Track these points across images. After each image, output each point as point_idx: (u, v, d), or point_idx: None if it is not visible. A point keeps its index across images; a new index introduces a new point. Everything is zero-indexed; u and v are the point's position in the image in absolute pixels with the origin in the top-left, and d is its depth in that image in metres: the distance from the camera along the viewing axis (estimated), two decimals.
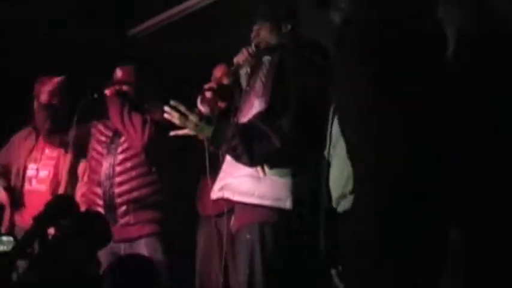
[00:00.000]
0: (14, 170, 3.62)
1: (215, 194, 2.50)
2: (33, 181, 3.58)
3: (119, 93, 3.27)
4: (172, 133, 2.50)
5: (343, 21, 1.81)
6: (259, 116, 2.36)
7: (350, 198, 1.79)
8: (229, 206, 2.52)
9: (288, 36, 2.59)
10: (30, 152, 3.61)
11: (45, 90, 3.53)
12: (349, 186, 1.82)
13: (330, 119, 2.00)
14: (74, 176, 3.55)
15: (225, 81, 3.02)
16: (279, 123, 2.30)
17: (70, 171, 3.54)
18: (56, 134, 3.49)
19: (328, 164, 1.99)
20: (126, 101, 3.25)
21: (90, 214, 2.82)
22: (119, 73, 3.39)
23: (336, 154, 1.94)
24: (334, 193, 1.93)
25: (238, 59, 2.65)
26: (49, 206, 2.37)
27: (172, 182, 3.23)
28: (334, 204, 1.94)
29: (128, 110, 3.21)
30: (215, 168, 2.64)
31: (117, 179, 3.19)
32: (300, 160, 2.35)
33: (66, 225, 2.28)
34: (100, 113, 3.35)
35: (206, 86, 3.01)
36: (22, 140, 3.68)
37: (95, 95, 3.27)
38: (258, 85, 2.44)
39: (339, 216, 1.91)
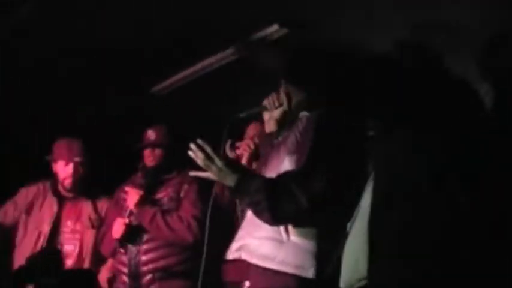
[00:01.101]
0: (32, 228, 3.40)
1: (232, 254, 2.32)
2: None
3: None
4: (192, 173, 2.32)
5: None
6: (290, 174, 2.22)
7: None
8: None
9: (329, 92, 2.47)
10: (55, 219, 3.45)
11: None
12: (360, 273, 1.70)
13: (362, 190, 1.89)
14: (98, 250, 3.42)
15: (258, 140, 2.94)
16: (310, 184, 2.16)
17: (95, 245, 3.42)
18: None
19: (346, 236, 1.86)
20: (151, 207, 3.16)
21: (77, 273, 2.61)
22: (151, 135, 3.33)
23: (354, 228, 1.82)
24: (344, 275, 1.80)
25: (266, 102, 2.54)
26: (31, 261, 2.15)
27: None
28: (341, 284, 1.80)
29: (160, 215, 3.12)
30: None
31: (144, 246, 3.12)
32: (326, 224, 2.19)
33: (48, 284, 2.05)
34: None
35: (239, 144, 2.89)
36: (35, 196, 3.49)
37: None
38: (291, 141, 2.32)
39: None
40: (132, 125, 3.54)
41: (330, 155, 2.21)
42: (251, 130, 3.30)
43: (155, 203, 3.20)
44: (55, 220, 3.44)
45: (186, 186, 3.18)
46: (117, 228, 3.11)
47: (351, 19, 3.18)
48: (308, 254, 2.15)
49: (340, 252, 1.85)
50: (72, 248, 3.42)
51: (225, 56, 3.77)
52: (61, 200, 3.51)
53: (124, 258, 3.14)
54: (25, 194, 3.51)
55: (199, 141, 2.20)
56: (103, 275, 3.37)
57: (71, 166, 3.49)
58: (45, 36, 3.44)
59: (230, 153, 2.78)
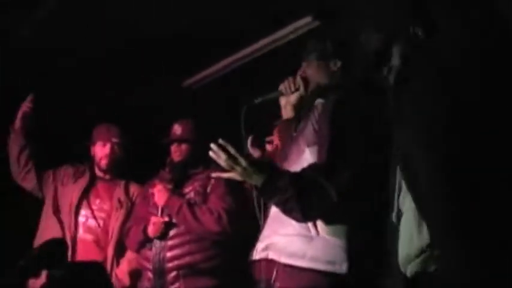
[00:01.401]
0: (63, 202, 3.48)
1: (258, 254, 2.22)
2: (80, 229, 3.44)
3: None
4: (214, 174, 2.27)
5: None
6: (314, 167, 2.11)
7: (417, 262, 1.58)
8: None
9: (341, 75, 2.37)
10: (84, 192, 3.50)
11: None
12: (414, 247, 1.59)
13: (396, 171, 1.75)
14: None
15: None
16: (337, 175, 2.06)
17: (122, 227, 3.41)
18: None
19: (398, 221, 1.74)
20: (178, 199, 3.13)
21: (87, 265, 2.57)
22: (177, 129, 3.29)
23: (404, 210, 1.70)
24: (400, 256, 1.68)
25: (282, 86, 2.45)
26: (39, 251, 2.13)
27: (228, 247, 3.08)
28: (402, 269, 1.68)
29: (186, 206, 3.08)
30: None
31: (170, 242, 3.07)
32: (358, 216, 2.10)
33: (58, 275, 2.01)
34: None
35: (270, 138, 2.69)
36: (75, 174, 3.58)
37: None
38: (309, 131, 2.21)
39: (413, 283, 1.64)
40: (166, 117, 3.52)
41: (351, 143, 2.10)
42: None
43: (182, 196, 3.16)
44: (83, 195, 3.48)
45: (213, 181, 3.11)
46: (156, 228, 3.08)
47: None
48: (339, 249, 2.06)
49: (388, 246, 1.75)
50: (95, 224, 3.45)
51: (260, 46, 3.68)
52: (95, 179, 3.58)
53: (149, 254, 3.10)
54: (65, 168, 3.63)
55: (221, 141, 2.11)
56: (123, 268, 3.35)
57: (108, 146, 3.54)
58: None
59: (252, 151, 2.68)
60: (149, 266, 3.08)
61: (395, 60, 1.77)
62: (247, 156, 2.17)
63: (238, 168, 2.09)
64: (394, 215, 1.76)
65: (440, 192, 1.50)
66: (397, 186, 1.74)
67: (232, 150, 2.10)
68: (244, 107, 2.39)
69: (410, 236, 1.62)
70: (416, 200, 1.56)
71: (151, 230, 3.09)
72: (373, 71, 1.88)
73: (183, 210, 3.04)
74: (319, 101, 2.27)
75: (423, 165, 1.55)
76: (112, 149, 3.53)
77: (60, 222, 3.43)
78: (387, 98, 1.99)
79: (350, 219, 2.10)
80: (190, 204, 3.08)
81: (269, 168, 2.14)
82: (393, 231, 1.75)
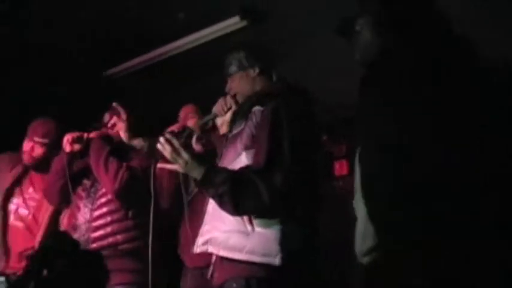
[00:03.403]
0: None
1: (199, 247, 2.42)
2: (11, 216, 3.48)
3: (103, 137, 3.22)
4: (159, 165, 2.42)
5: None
6: (254, 168, 2.29)
7: (368, 257, 1.80)
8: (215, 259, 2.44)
9: (273, 83, 2.57)
10: (16, 181, 3.53)
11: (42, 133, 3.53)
12: (365, 245, 1.81)
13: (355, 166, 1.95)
14: (55, 222, 3.45)
15: (191, 121, 3.01)
16: (271, 178, 2.24)
17: (52, 215, 3.46)
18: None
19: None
20: (106, 145, 3.21)
21: (87, 254, 2.66)
22: (107, 117, 3.34)
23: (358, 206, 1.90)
24: (357, 247, 1.88)
25: (216, 109, 2.68)
26: (44, 243, 2.22)
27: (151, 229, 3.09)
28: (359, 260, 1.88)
29: (106, 154, 3.17)
30: (196, 216, 2.60)
31: (94, 224, 3.11)
32: (289, 213, 2.30)
33: (62, 264, 2.13)
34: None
35: (170, 129, 2.89)
36: (12, 161, 3.59)
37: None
38: (247, 136, 2.38)
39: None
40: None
41: (287, 147, 2.28)
42: (183, 112, 3.41)
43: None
44: (16, 183, 3.53)
45: None
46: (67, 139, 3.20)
47: None
48: (274, 241, 2.24)
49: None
50: (26, 213, 3.50)
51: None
52: (29, 169, 3.59)
53: (75, 235, 3.09)
54: (2, 156, 3.64)
55: (167, 135, 2.30)
56: None
57: (30, 144, 3.56)
58: None
59: (196, 146, 2.85)
60: None
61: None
62: (190, 151, 2.35)
63: (181, 161, 2.27)
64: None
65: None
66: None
67: (177, 144, 2.28)
68: (183, 136, 2.63)
69: (363, 235, 1.82)
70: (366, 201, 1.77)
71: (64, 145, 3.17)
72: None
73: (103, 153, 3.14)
74: (256, 108, 2.44)
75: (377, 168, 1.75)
76: (32, 147, 3.54)
77: None
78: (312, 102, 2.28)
79: (284, 215, 2.28)
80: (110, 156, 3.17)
81: (209, 163, 2.32)
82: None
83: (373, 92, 1.83)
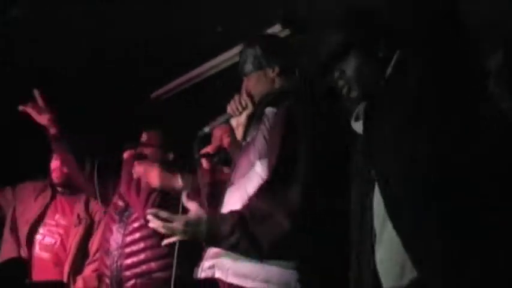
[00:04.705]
0: (21, 220, 3.36)
1: (204, 272, 2.10)
2: (36, 247, 3.32)
3: (137, 157, 3.07)
4: (165, 242, 2.09)
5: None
6: (261, 191, 1.97)
7: None
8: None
9: (286, 79, 2.24)
10: (43, 209, 3.39)
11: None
12: (406, 279, 1.54)
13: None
14: (84, 250, 3.30)
15: (226, 140, 2.74)
16: (285, 195, 1.92)
17: (80, 243, 3.30)
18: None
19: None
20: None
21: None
22: (144, 137, 3.23)
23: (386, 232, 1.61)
24: (385, 280, 1.61)
25: (230, 108, 2.32)
26: None
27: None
28: None
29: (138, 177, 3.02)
30: None
31: (126, 250, 2.94)
32: (311, 240, 1.94)
33: None
34: None
35: (205, 151, 2.57)
36: (36, 191, 3.47)
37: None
38: (260, 142, 2.08)
39: None
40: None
41: (306, 156, 1.96)
42: (217, 132, 3.17)
43: None
44: (43, 212, 3.39)
45: None
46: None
47: None
48: (292, 270, 1.93)
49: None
50: (53, 241, 3.34)
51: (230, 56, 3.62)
52: (55, 195, 3.47)
53: (107, 261, 2.97)
54: (25, 185, 3.52)
55: (152, 210, 2.02)
56: (79, 285, 3.20)
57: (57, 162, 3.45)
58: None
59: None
60: (107, 273, 2.95)
61: (349, 71, 1.75)
62: (184, 214, 2.06)
63: (178, 231, 1.99)
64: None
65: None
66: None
67: (164, 215, 1.99)
68: (196, 137, 2.36)
69: (400, 268, 1.56)
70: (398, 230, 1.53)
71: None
72: (323, 72, 1.83)
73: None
74: (269, 110, 2.16)
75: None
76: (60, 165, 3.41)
77: (17, 241, 3.32)
78: (339, 104, 1.95)
79: (302, 241, 1.95)
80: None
81: (206, 220, 2.00)
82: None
83: (385, 119, 1.63)
